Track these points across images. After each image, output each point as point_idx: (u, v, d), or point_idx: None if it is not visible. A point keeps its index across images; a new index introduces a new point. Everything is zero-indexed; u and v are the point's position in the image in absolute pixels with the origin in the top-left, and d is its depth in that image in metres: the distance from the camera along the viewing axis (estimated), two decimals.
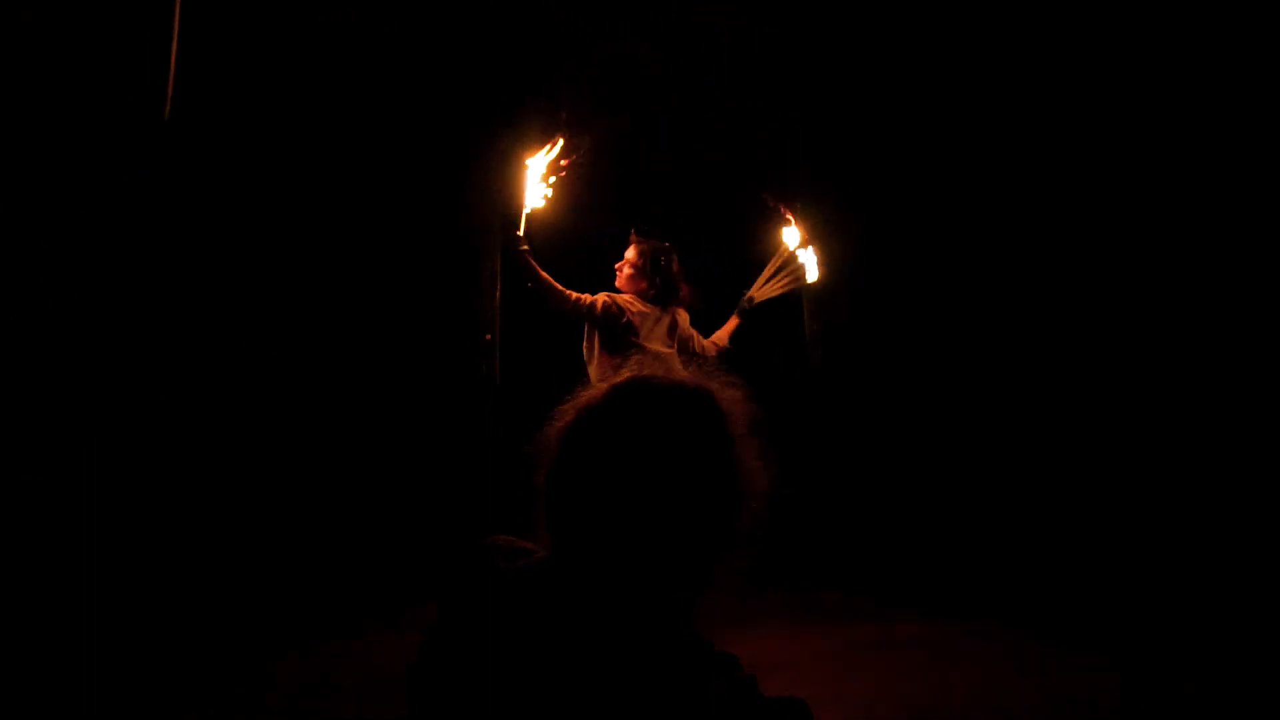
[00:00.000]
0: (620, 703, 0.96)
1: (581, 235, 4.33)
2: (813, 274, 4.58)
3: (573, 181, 3.92)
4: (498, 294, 4.31)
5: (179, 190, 4.13)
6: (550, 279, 3.90)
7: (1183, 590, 4.15)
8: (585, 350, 4.01)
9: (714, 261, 4.54)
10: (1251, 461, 4.46)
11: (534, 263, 3.87)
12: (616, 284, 4.04)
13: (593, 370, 3.97)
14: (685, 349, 4.12)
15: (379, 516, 4.54)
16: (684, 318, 4.17)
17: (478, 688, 1.00)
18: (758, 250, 4.68)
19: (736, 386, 1.12)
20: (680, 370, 3.86)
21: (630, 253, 4.06)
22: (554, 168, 3.92)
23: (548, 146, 3.88)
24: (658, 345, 3.98)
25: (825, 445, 5.00)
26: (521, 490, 1.12)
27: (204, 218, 4.24)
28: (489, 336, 3.63)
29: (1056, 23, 4.66)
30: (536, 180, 3.87)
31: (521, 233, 3.81)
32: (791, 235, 4.61)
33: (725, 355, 4.24)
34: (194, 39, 3.87)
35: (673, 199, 4.94)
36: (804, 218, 4.59)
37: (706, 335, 4.30)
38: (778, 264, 4.51)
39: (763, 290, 4.49)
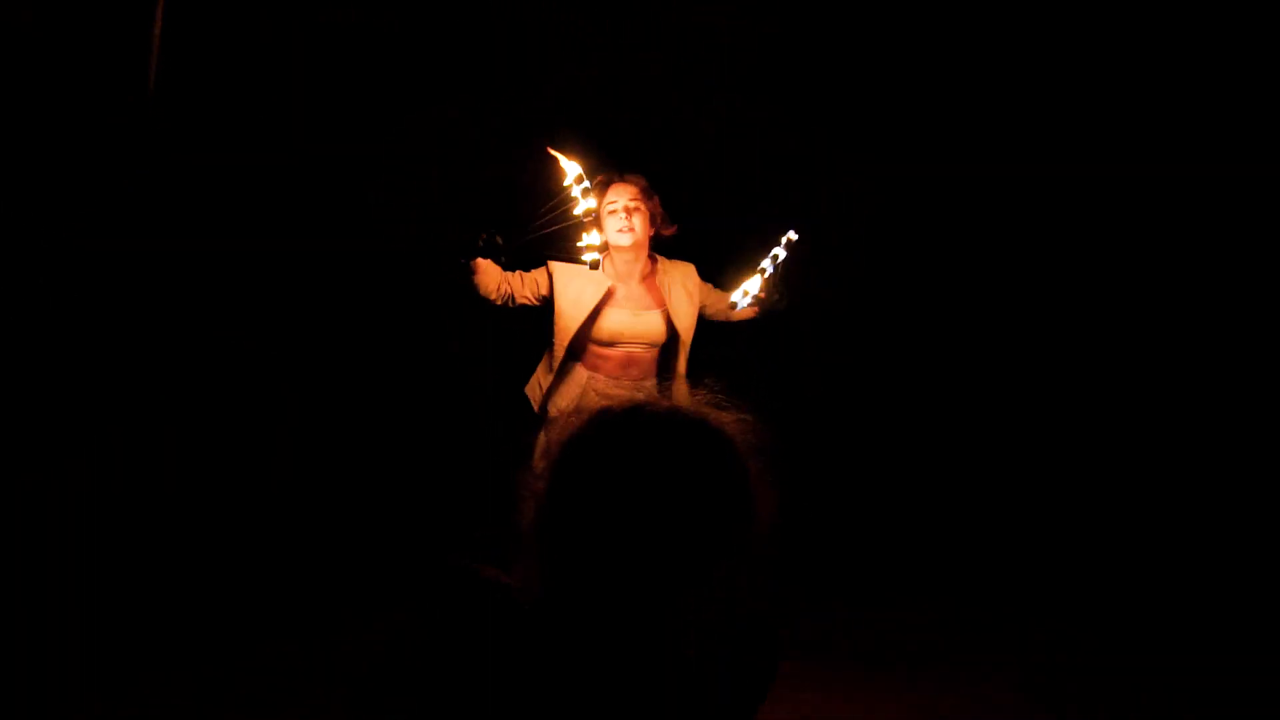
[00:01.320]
0: None
1: None
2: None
3: None
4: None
5: (179, 190, 4.14)
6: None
7: (1187, 588, 4.15)
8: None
9: None
10: (1251, 460, 4.46)
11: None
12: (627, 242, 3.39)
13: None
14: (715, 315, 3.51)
15: (376, 514, 4.54)
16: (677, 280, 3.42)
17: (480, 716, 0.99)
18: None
19: (743, 409, 1.08)
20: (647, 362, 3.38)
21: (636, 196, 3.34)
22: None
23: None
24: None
25: (828, 457, 4.92)
26: (512, 497, 1.10)
27: (204, 218, 4.25)
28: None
29: (1056, 23, 4.65)
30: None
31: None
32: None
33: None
34: (194, 40, 3.89)
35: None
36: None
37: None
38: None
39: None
